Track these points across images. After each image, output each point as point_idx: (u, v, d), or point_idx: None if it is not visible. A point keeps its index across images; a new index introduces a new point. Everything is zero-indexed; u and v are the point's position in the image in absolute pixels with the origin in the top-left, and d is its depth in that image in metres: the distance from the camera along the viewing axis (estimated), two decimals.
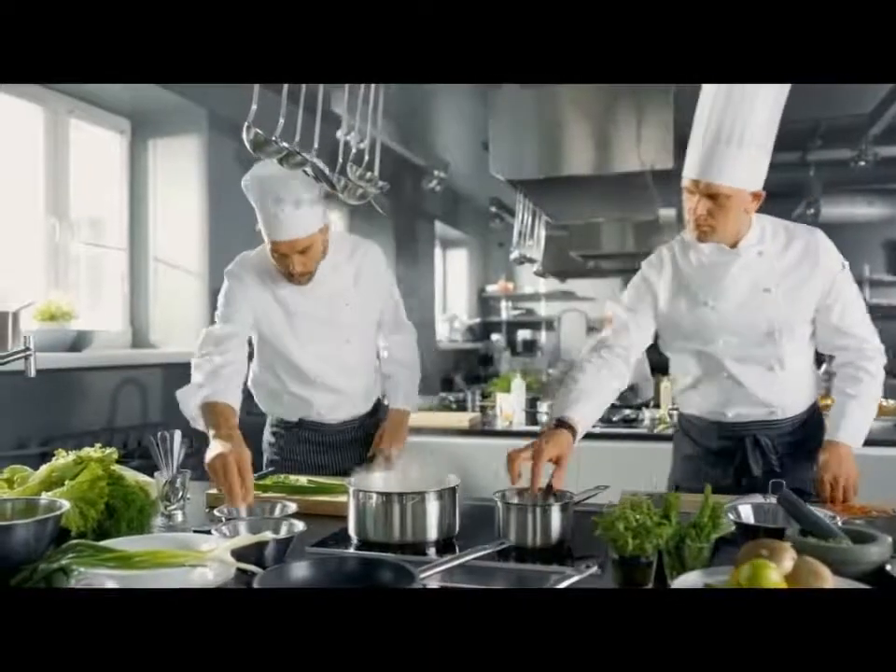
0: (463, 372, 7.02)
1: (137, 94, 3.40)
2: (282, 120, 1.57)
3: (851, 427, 1.90)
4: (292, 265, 2.01)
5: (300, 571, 1.14)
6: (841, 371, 1.98)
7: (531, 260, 4.12)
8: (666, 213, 4.61)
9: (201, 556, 1.23)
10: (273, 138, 1.54)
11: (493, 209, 5.90)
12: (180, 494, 1.74)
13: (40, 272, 3.16)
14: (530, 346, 8.27)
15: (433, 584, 1.25)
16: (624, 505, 1.23)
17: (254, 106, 1.51)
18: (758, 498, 1.58)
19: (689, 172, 1.83)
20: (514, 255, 3.93)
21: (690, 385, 2.06)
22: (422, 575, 1.16)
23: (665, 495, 1.27)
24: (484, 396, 4.38)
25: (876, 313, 7.30)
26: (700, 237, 1.87)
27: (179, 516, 1.72)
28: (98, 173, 3.51)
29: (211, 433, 1.77)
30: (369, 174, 1.79)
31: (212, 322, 2.13)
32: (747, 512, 1.46)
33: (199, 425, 1.90)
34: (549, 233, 5.34)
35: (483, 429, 3.59)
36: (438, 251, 7.46)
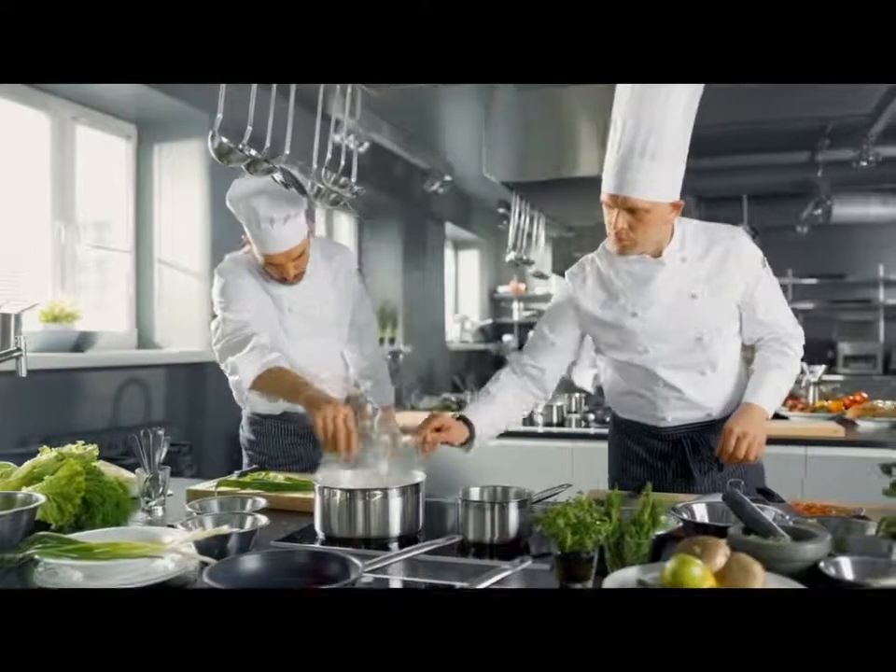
0: (474, 374, 7.05)
1: (143, 100, 3.48)
2: (250, 128, 1.61)
3: (770, 393, 1.91)
4: (287, 272, 2.11)
5: (249, 564, 1.19)
6: (766, 345, 1.98)
7: (528, 262, 4.13)
8: None
9: (160, 548, 1.28)
10: (240, 146, 1.58)
11: (501, 210, 5.92)
12: (161, 489, 1.80)
13: (47, 274, 3.25)
14: None
15: (395, 581, 1.30)
16: (567, 502, 1.26)
17: (219, 115, 1.55)
18: (717, 498, 1.60)
19: (606, 187, 1.82)
20: (510, 257, 3.95)
21: (625, 391, 2.07)
22: (367, 569, 1.20)
23: (609, 493, 1.30)
24: None
25: (891, 313, 7.12)
26: (621, 251, 1.87)
27: (159, 511, 1.78)
28: (104, 177, 3.60)
29: (294, 394, 1.93)
30: (343, 179, 1.83)
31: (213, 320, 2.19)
32: (701, 511, 1.48)
33: (251, 396, 2.09)
34: (557, 234, 5.33)
35: None
36: (449, 252, 7.49)
